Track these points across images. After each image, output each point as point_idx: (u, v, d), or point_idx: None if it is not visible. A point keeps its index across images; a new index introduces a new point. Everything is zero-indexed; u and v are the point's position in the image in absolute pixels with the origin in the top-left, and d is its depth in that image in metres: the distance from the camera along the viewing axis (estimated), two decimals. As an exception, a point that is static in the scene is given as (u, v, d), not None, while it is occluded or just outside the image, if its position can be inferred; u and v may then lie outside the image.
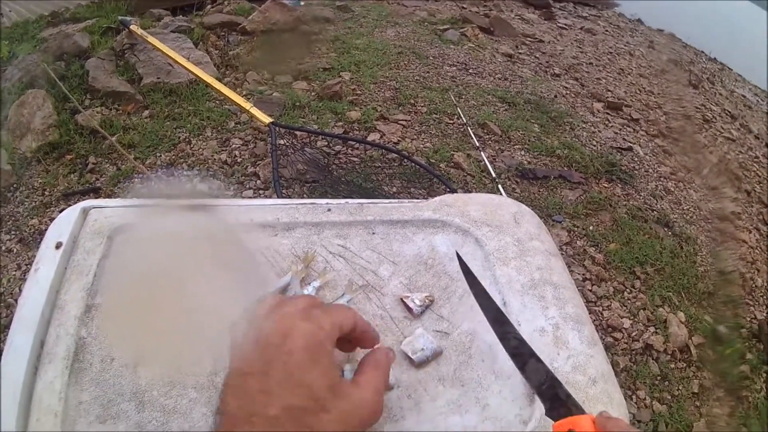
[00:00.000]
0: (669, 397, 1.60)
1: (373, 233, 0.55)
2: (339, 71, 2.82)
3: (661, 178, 2.67)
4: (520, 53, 3.69)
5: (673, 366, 1.69)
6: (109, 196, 1.83)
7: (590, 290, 1.85)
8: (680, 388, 1.63)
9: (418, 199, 0.60)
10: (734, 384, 1.70)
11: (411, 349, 0.44)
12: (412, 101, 2.68)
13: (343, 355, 0.40)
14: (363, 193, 1.90)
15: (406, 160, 2.07)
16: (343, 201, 0.58)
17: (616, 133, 2.95)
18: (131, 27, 2.31)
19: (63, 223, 0.50)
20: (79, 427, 0.37)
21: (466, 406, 0.41)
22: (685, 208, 2.51)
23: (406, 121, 2.50)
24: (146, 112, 2.25)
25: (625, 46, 4.58)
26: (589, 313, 1.24)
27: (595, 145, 2.73)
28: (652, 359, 1.68)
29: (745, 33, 6.23)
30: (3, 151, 1.95)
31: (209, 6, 3.35)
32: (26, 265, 1.61)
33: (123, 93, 2.28)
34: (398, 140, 2.34)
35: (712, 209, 2.58)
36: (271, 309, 0.35)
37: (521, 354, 0.39)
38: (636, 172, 2.61)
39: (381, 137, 2.34)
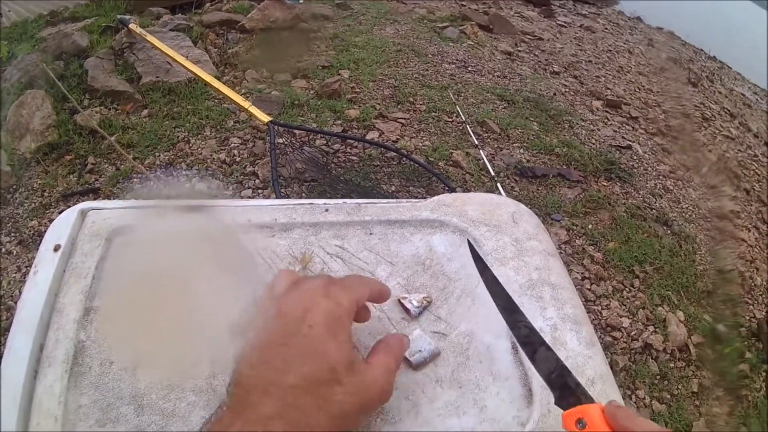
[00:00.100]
0: (668, 397, 1.60)
1: (371, 233, 0.55)
2: (338, 69, 2.81)
3: (660, 177, 2.66)
4: (519, 51, 3.68)
5: (672, 365, 1.69)
6: (108, 197, 1.83)
7: (589, 289, 1.85)
8: (679, 387, 1.64)
9: (416, 197, 0.59)
10: (733, 383, 1.70)
11: (409, 351, 0.44)
12: (411, 99, 2.67)
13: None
14: (362, 192, 1.90)
15: (405, 159, 2.07)
16: (340, 201, 0.58)
17: (615, 131, 2.95)
18: (130, 26, 2.31)
19: (61, 226, 0.50)
20: (78, 430, 0.37)
21: (464, 408, 0.41)
22: (684, 206, 2.51)
23: (404, 119, 2.50)
24: (145, 112, 2.25)
25: (624, 44, 4.57)
26: (588, 312, 1.24)
27: (594, 144, 2.73)
28: (652, 358, 1.69)
29: (745, 31, 6.24)
30: (2, 152, 1.94)
31: (208, 4, 3.35)
32: (26, 267, 1.61)
33: (122, 92, 2.28)
34: (397, 138, 2.34)
35: (711, 208, 2.58)
36: (290, 286, 0.36)
37: (531, 342, 0.39)
38: (635, 170, 2.61)
39: (380, 135, 2.34)
